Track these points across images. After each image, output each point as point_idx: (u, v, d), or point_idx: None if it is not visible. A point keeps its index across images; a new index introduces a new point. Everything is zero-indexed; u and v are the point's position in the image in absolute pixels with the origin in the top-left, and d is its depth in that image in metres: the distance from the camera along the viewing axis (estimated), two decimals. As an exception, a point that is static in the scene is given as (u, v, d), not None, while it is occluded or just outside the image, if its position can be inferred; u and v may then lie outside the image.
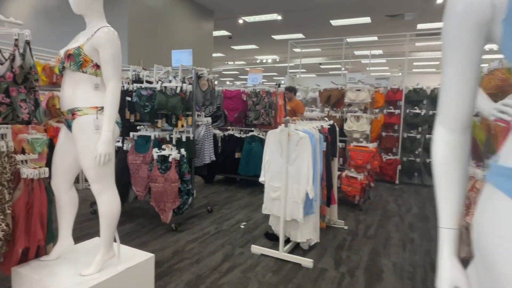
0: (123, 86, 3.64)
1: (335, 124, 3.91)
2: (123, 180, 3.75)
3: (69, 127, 1.92)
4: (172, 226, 3.53)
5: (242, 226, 3.76)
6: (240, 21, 9.34)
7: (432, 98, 5.99)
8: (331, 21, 9.31)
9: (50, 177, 2.10)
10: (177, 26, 7.70)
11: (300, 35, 10.81)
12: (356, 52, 12.60)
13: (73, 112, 1.84)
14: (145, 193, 3.66)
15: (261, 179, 3.14)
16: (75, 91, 1.85)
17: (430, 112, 5.98)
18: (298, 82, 7.33)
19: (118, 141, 3.86)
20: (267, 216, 3.53)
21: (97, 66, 1.87)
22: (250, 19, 9.26)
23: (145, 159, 3.56)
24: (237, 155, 5.51)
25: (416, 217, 4.31)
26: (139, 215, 3.97)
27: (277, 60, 14.94)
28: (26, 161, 2.17)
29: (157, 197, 3.45)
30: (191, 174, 3.74)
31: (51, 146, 3.89)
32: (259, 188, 5.46)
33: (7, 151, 2.00)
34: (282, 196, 2.94)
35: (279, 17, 8.95)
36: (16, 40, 2.04)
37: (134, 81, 3.76)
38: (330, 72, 17.28)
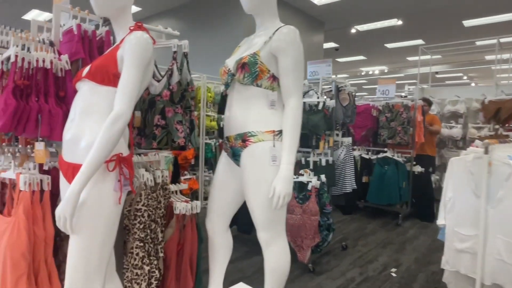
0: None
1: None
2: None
3: (234, 156, 1.52)
4: (309, 266, 2.98)
5: (394, 274, 3.00)
6: (353, 31, 8.65)
7: None
8: (463, 22, 7.92)
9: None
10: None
11: (420, 41, 9.56)
12: (487, 57, 10.66)
13: (244, 138, 1.43)
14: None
15: (439, 222, 2.37)
16: (247, 111, 1.44)
17: None
18: (431, 94, 6.24)
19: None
20: (420, 262, 2.72)
21: (273, 78, 1.44)
22: (364, 27, 8.50)
23: (279, 185, 3.11)
24: (364, 179, 4.77)
25: None
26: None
27: (385, 71, 13.67)
28: (176, 191, 1.87)
29: (294, 231, 2.95)
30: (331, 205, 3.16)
31: (175, 164, 3.80)
32: (392, 219, 4.61)
33: (162, 182, 1.70)
34: (478, 250, 2.12)
35: (400, 22, 7.97)
36: (174, 52, 1.76)
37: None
38: (446, 82, 15.14)
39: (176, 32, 1.83)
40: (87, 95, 1.20)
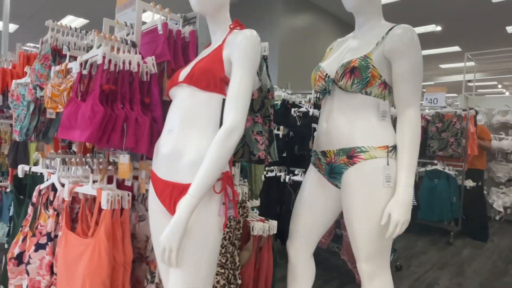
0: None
1: None
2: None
3: (332, 173, 1.33)
4: (368, 289, 2.74)
5: (462, 302, 2.72)
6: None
7: None
8: (507, 28, 7.55)
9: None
10: (321, 45, 7.21)
11: (456, 48, 9.19)
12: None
13: (351, 154, 1.23)
14: (328, 241, 3.00)
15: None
16: (353, 123, 1.25)
17: None
18: (477, 103, 5.90)
19: (298, 174, 3.32)
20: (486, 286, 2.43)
21: (385, 85, 1.25)
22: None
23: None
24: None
25: None
26: (317, 264, 3.32)
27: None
28: (251, 208, 1.69)
29: (352, 250, 2.72)
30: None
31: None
32: (441, 237, 4.30)
33: (240, 200, 1.52)
34: None
35: (439, 28, 7.66)
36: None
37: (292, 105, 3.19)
38: (478, 91, 14.59)
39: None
40: (187, 102, 1.04)
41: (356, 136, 1.24)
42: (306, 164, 3.44)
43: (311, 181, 1.45)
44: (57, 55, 1.65)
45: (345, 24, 7.86)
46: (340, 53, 1.38)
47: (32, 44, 3.57)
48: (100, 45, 1.20)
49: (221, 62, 1.02)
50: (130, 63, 1.18)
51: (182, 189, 0.97)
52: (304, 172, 3.38)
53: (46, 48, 1.67)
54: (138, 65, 1.18)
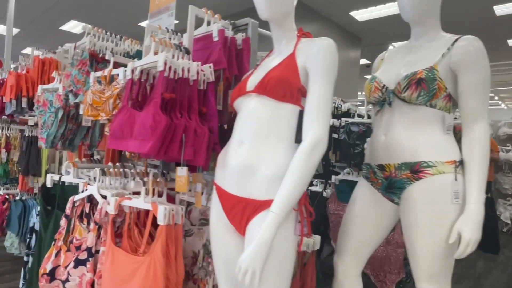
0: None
1: None
2: (319, 231, 3.13)
3: (391, 188, 1.28)
4: (393, 304, 2.68)
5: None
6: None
7: None
8: (508, 41, 7.67)
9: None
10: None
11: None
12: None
13: (416, 169, 1.18)
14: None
15: None
16: (417, 136, 1.21)
17: None
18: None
19: (316, 185, 3.27)
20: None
21: (449, 97, 1.21)
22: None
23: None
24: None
25: None
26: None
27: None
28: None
29: (375, 263, 2.67)
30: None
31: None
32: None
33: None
34: None
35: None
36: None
37: (341, 115, 3.18)
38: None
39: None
40: (259, 113, 0.98)
41: (421, 150, 1.19)
42: (325, 175, 3.39)
43: (363, 196, 1.40)
44: (94, 60, 1.58)
45: (350, 35, 7.93)
46: (396, 64, 1.34)
47: (30, 48, 3.49)
48: (157, 52, 1.14)
49: (297, 72, 0.97)
50: (189, 71, 1.12)
51: (257, 206, 0.91)
52: (322, 183, 3.33)
53: (81, 53, 1.60)
54: (197, 72, 1.13)
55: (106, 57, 1.40)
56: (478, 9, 6.19)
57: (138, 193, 1.37)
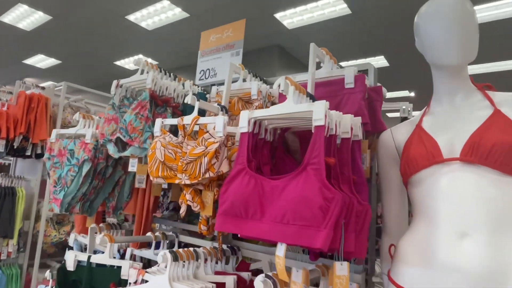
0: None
1: None
2: None
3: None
4: None
5: None
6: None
7: None
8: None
9: None
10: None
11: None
12: None
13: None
14: None
15: None
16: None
17: None
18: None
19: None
20: None
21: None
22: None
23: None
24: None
25: None
26: None
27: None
28: None
29: None
30: None
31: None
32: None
33: None
34: None
35: (412, 94, 8.27)
36: (403, 119, 1.33)
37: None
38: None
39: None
40: (486, 192, 0.71)
41: None
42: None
43: None
44: (153, 102, 1.22)
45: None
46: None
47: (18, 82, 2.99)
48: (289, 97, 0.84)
49: None
50: (339, 125, 0.83)
51: None
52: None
53: (134, 93, 1.24)
54: (351, 128, 0.84)
55: (189, 101, 1.05)
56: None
57: (215, 283, 1.00)
